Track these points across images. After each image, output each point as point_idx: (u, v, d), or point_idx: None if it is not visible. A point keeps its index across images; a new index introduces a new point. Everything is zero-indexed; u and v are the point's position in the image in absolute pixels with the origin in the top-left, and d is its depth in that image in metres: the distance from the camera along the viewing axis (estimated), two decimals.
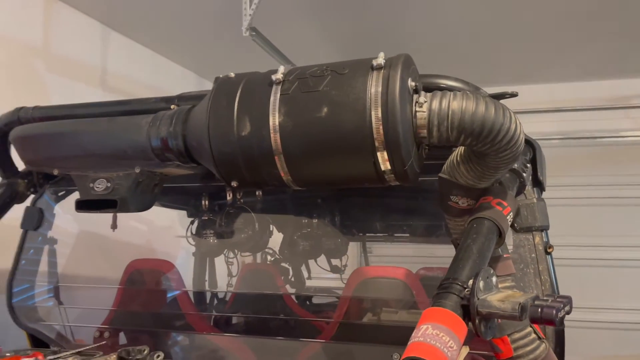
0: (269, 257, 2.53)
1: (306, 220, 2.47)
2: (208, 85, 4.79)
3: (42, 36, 3.13)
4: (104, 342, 1.55)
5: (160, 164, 1.32)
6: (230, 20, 3.30)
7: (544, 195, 1.41)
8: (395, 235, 2.86)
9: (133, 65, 3.92)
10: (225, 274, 2.37)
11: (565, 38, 4.08)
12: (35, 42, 3.07)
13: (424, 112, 1.02)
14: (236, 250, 2.24)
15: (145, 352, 1.15)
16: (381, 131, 0.98)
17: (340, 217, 2.50)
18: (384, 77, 1.00)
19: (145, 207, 1.47)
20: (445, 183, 1.22)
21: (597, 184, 4.99)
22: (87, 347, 1.26)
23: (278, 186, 1.14)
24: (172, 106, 1.32)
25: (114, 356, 1.17)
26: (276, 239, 2.41)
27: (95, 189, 1.40)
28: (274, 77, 1.07)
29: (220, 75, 1.34)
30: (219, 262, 2.38)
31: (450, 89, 1.14)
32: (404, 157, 1.00)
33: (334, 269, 2.70)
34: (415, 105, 1.02)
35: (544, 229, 1.36)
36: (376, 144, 0.99)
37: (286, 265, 2.63)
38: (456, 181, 1.19)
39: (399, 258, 4.09)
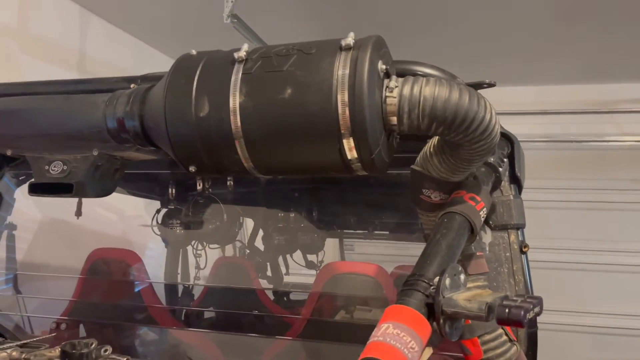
0: (245, 252, 2.46)
1: (282, 214, 2.40)
2: None
3: (17, 16, 3.03)
4: (53, 335, 1.47)
5: (119, 147, 1.24)
6: (214, 7, 3.22)
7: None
8: (375, 232, 2.81)
9: (113, 51, 3.82)
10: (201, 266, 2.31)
11: (551, 40, 4.06)
12: (10, 22, 2.96)
13: (395, 97, 0.96)
14: (204, 242, 2.17)
15: (93, 345, 1.08)
16: (347, 116, 0.91)
17: (318, 212, 2.43)
18: (352, 58, 0.93)
19: (104, 192, 1.39)
20: (417, 175, 1.16)
21: (580, 188, 4.99)
22: (33, 340, 1.18)
23: (239, 173, 1.07)
24: (131, 85, 1.25)
25: (57, 350, 1.09)
26: (247, 231, 2.34)
27: (51, 171, 1.32)
28: (236, 55, 1.00)
29: None
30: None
31: (426, 76, 1.08)
32: (371, 145, 0.93)
33: (310, 265, 2.64)
34: (386, 90, 0.96)
35: (520, 227, 1.30)
36: (342, 129, 0.92)
37: (261, 260, 2.56)
38: (429, 174, 1.13)
39: (381, 256, 4.04)
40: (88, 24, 3.55)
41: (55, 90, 1.39)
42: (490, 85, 1.11)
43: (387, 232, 2.82)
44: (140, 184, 1.98)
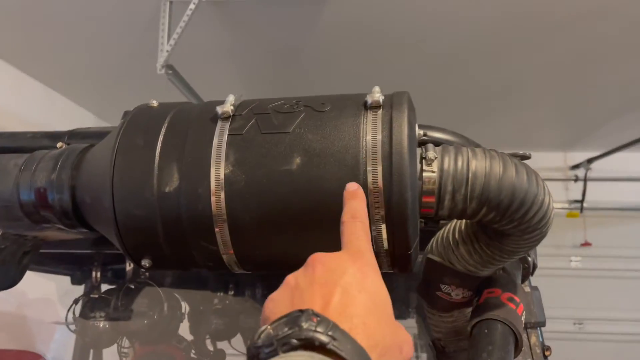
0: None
1: (221, 294, 2.06)
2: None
3: None
4: None
5: (33, 226, 0.90)
6: (140, 58, 2.94)
7: None
8: None
9: (20, 100, 3.37)
10: None
11: (471, 110, 4.16)
12: None
13: (434, 172, 0.73)
14: (134, 340, 1.76)
15: None
16: (382, 196, 0.66)
17: (262, 290, 2.11)
18: (384, 119, 0.70)
19: (7, 284, 1.04)
20: (435, 267, 0.92)
21: None
22: None
23: (213, 268, 0.78)
24: (59, 144, 0.93)
25: None
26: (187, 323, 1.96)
27: None
28: (219, 110, 0.73)
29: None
30: (108, 352, 1.86)
31: (444, 143, 0.86)
32: (410, 236, 0.69)
33: None
34: (422, 163, 0.73)
35: (540, 325, 1.09)
36: (372, 214, 0.67)
37: (193, 347, 2.17)
38: (451, 266, 0.90)
39: None
40: None
41: None
42: (525, 157, 0.92)
43: None
44: (52, 265, 1.58)
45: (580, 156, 5.03)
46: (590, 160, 4.93)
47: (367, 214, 0.61)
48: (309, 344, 0.42)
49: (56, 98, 3.65)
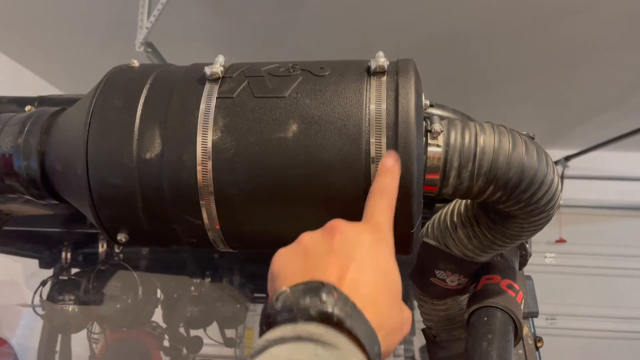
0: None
1: (197, 280, 2.00)
2: None
3: None
4: None
5: None
6: (118, 34, 2.83)
7: None
8: None
9: None
10: (86, 353, 1.77)
11: (469, 100, 4.15)
12: None
13: (439, 147, 0.67)
14: (105, 325, 1.67)
15: None
16: None
17: (240, 278, 2.05)
18: (388, 86, 0.64)
19: None
20: (430, 252, 0.87)
21: None
22: None
23: (196, 245, 0.72)
24: (27, 108, 0.85)
25: None
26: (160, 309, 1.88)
27: None
28: (208, 71, 0.67)
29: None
30: (77, 337, 1.77)
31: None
32: (414, 214, 0.64)
33: (228, 342, 2.22)
34: (427, 136, 0.67)
35: (533, 316, 1.06)
36: None
37: (168, 335, 2.09)
38: (448, 250, 0.86)
39: None
40: None
41: None
42: (530, 137, 0.88)
43: None
44: (18, 246, 1.48)
45: (557, 153, 5.07)
46: (567, 158, 4.97)
47: (396, 193, 0.59)
48: (326, 318, 0.43)
49: (27, 75, 3.50)
